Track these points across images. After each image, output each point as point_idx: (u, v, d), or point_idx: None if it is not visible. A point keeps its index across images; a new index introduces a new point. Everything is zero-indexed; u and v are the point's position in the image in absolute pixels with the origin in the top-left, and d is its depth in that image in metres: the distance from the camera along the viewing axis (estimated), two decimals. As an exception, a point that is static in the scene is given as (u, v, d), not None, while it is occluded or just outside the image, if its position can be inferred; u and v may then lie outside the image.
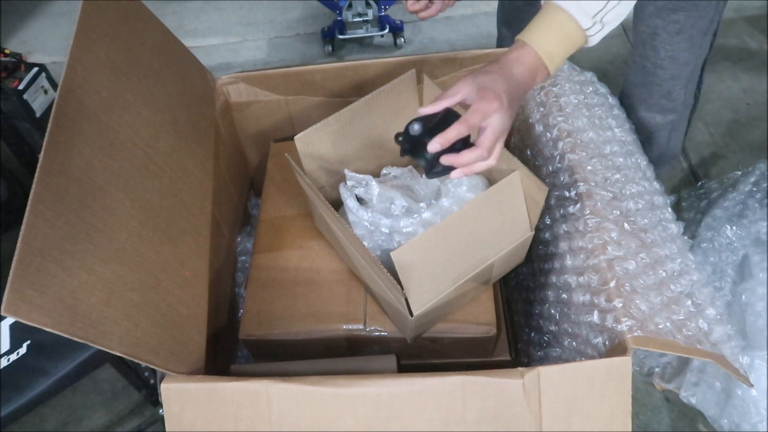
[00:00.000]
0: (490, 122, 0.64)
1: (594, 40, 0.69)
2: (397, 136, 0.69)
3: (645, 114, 1.12)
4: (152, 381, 1.15)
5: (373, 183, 0.85)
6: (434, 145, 0.64)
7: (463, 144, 0.66)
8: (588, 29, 0.66)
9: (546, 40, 0.67)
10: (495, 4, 2.10)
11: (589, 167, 0.84)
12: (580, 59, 0.95)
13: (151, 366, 0.67)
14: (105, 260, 0.65)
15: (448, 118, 0.66)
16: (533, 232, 0.85)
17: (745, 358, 1.01)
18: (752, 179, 1.33)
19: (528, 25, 0.68)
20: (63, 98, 0.67)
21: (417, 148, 0.68)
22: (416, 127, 0.67)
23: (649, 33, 0.99)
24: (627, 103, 1.12)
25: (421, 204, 0.88)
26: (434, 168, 0.67)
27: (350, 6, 1.86)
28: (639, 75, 1.08)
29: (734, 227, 1.22)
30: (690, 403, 1.10)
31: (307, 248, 0.96)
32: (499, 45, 1.28)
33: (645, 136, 1.15)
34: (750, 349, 1.02)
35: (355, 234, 0.76)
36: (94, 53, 0.74)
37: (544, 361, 0.93)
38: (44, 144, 0.62)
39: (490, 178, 0.87)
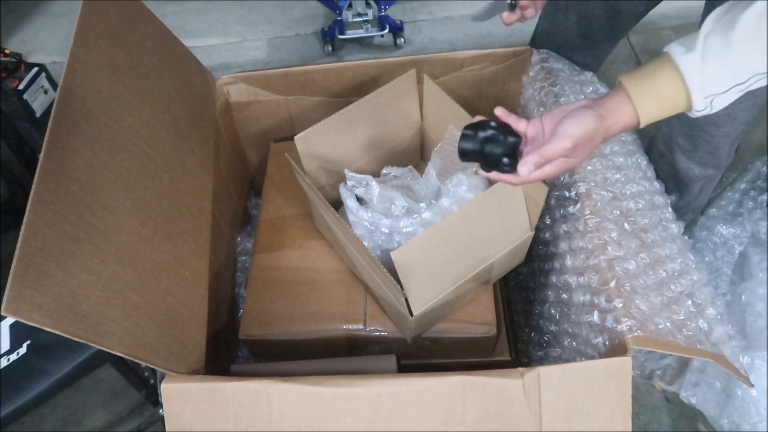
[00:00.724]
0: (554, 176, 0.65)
1: (693, 116, 0.64)
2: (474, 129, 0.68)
3: (684, 164, 1.06)
4: (152, 381, 1.15)
5: (373, 183, 0.85)
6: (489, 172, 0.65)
7: (511, 150, 0.66)
8: (699, 111, 0.62)
9: (652, 110, 0.62)
10: (495, 4, 2.10)
11: (589, 167, 0.84)
12: (580, 59, 0.95)
13: (151, 366, 0.67)
14: (105, 260, 0.65)
15: (511, 132, 0.66)
16: (533, 232, 0.85)
17: (745, 358, 1.01)
18: (748, 177, 1.33)
19: (641, 78, 0.63)
20: (63, 98, 0.67)
21: (474, 143, 0.67)
22: (490, 132, 0.66)
23: None
24: (665, 148, 1.08)
25: (421, 204, 0.88)
26: (466, 158, 0.68)
27: (350, 6, 1.86)
28: (685, 126, 1.02)
29: (729, 225, 1.23)
30: (690, 403, 1.10)
31: (307, 248, 0.96)
32: (533, 43, 1.13)
33: (676, 184, 1.12)
34: (750, 349, 1.02)
35: (355, 234, 0.76)
36: (94, 53, 0.74)
37: (544, 361, 0.93)
38: (44, 144, 0.62)
39: (490, 178, 0.87)
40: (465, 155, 0.67)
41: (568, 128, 0.61)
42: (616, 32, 1.03)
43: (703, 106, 0.61)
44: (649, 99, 0.62)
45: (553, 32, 1.07)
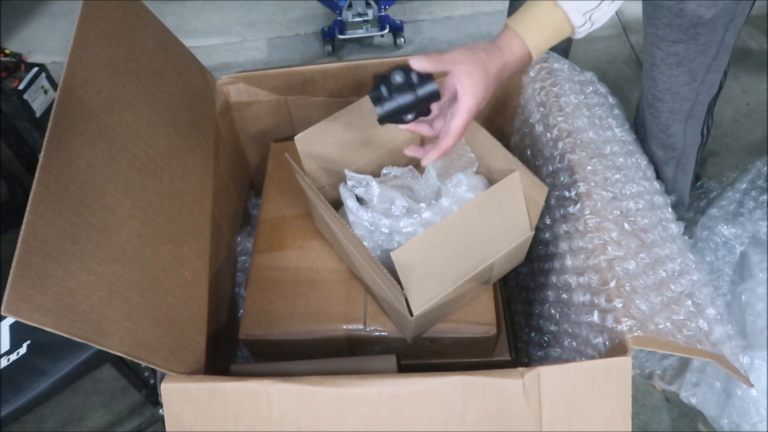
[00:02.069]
0: (466, 124, 0.70)
1: (580, 35, 0.71)
2: (376, 78, 0.71)
3: (651, 146, 1.10)
4: (152, 381, 1.15)
5: (374, 183, 0.85)
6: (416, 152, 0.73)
7: (424, 105, 0.71)
8: (579, 27, 0.69)
9: (537, 36, 0.69)
10: (495, 4, 2.10)
11: (589, 167, 0.84)
12: (580, 59, 0.95)
13: (151, 366, 0.67)
14: (105, 260, 0.65)
15: (425, 78, 0.70)
16: (533, 232, 0.85)
17: (745, 358, 1.01)
18: (749, 177, 1.33)
19: (521, 11, 0.70)
20: (63, 98, 0.67)
21: (386, 96, 0.70)
22: (398, 79, 0.70)
23: (650, 62, 0.97)
24: (643, 131, 1.11)
25: (421, 204, 0.88)
26: (387, 118, 0.71)
27: (350, 6, 1.86)
28: (644, 106, 1.06)
29: (730, 225, 1.23)
30: (690, 403, 1.10)
31: (307, 248, 0.96)
32: None
33: (655, 171, 1.13)
34: (750, 349, 1.02)
35: (355, 234, 0.76)
36: (94, 53, 0.74)
37: (544, 361, 0.93)
38: (44, 144, 0.62)
39: (490, 178, 0.87)
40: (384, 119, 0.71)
41: (456, 121, 0.68)
42: None
43: (581, 21, 0.68)
44: (533, 29, 0.69)
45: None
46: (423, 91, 0.69)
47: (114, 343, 0.62)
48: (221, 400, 0.66)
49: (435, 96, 0.69)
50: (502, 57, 0.70)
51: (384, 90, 0.69)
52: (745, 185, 1.32)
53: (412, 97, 0.69)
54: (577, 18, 0.68)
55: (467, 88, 0.67)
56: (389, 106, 0.69)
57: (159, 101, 0.85)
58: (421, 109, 0.71)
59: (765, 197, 1.27)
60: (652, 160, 1.11)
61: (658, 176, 1.13)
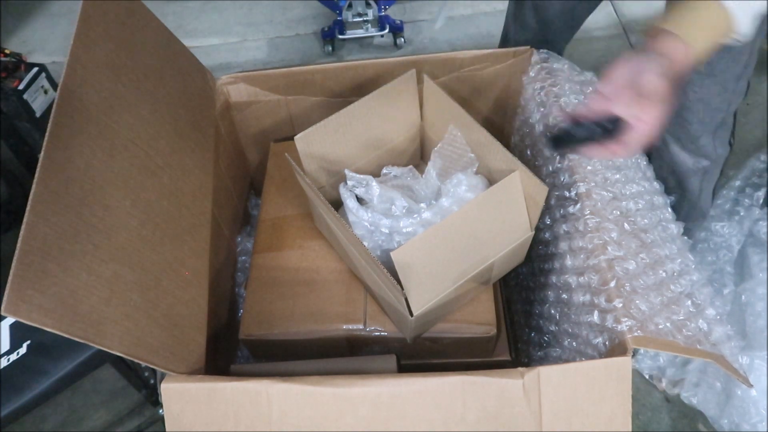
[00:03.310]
0: (641, 144, 0.66)
1: (741, 40, 0.66)
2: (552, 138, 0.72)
3: (678, 155, 1.06)
4: (152, 381, 1.15)
5: (374, 183, 0.85)
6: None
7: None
8: (743, 34, 0.64)
9: (703, 40, 0.64)
10: (495, 4, 2.10)
11: (589, 167, 0.84)
12: (580, 59, 0.95)
13: (151, 366, 0.67)
14: (105, 260, 0.65)
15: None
16: (533, 232, 0.85)
17: (744, 359, 1.01)
18: (743, 174, 1.34)
19: (685, 17, 0.64)
20: (63, 98, 0.67)
21: (565, 138, 0.71)
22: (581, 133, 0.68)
23: None
24: (660, 141, 1.07)
25: (421, 204, 0.88)
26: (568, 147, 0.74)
27: (350, 6, 1.87)
28: (669, 115, 1.04)
29: (726, 224, 1.23)
30: (690, 403, 1.10)
31: (307, 248, 0.96)
32: (504, 37, 1.22)
33: (677, 181, 1.10)
34: (750, 349, 1.02)
35: (355, 234, 0.76)
36: (94, 53, 0.74)
37: (544, 361, 0.93)
38: (44, 144, 0.62)
39: (490, 178, 0.87)
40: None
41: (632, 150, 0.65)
42: (572, 28, 1.11)
43: (749, 30, 0.63)
44: (700, 33, 0.63)
45: (509, 34, 1.16)
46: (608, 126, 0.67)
47: (114, 343, 0.62)
48: (221, 400, 0.66)
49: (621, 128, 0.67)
50: (669, 68, 0.63)
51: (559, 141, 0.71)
52: (739, 182, 1.32)
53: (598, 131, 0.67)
54: (745, 23, 0.62)
55: (645, 132, 0.65)
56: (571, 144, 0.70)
57: (159, 101, 0.85)
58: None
59: (760, 193, 1.27)
60: (678, 169, 1.08)
61: (682, 187, 1.11)
